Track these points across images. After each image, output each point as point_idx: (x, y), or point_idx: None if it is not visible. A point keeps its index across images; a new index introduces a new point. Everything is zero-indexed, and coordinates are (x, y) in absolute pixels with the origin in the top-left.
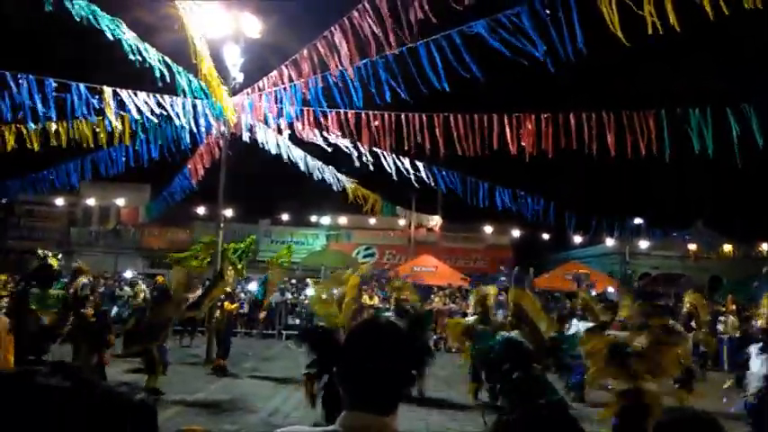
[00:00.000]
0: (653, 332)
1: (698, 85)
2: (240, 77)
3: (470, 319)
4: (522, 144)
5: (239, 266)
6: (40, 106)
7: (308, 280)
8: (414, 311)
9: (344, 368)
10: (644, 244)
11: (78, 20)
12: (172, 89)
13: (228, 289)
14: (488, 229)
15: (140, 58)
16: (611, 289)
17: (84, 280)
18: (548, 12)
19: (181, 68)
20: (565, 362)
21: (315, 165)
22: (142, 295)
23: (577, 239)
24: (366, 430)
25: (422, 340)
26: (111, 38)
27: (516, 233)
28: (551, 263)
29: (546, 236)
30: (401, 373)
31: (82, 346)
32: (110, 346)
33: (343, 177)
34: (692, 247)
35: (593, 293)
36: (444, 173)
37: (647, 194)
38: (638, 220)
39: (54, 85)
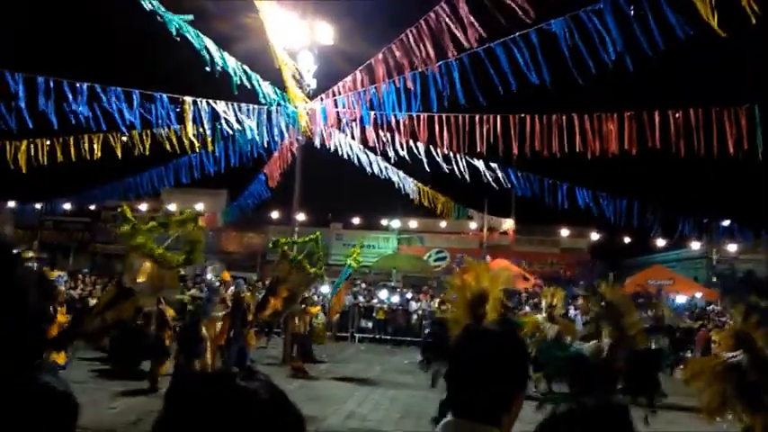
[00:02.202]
0: None
1: None
2: (314, 84)
3: (539, 317)
4: (604, 144)
5: (311, 269)
6: (127, 115)
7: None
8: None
9: (451, 373)
10: (732, 247)
11: (173, 33)
12: (249, 97)
13: (305, 293)
14: (564, 232)
15: (220, 69)
16: (698, 295)
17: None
18: (632, 7)
19: (259, 77)
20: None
21: (386, 168)
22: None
23: (660, 242)
24: None
25: (524, 348)
26: (194, 48)
27: (594, 236)
28: (632, 267)
29: (626, 239)
30: (507, 380)
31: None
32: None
33: (413, 180)
34: None
35: (678, 300)
36: (520, 175)
37: (736, 195)
38: (726, 222)
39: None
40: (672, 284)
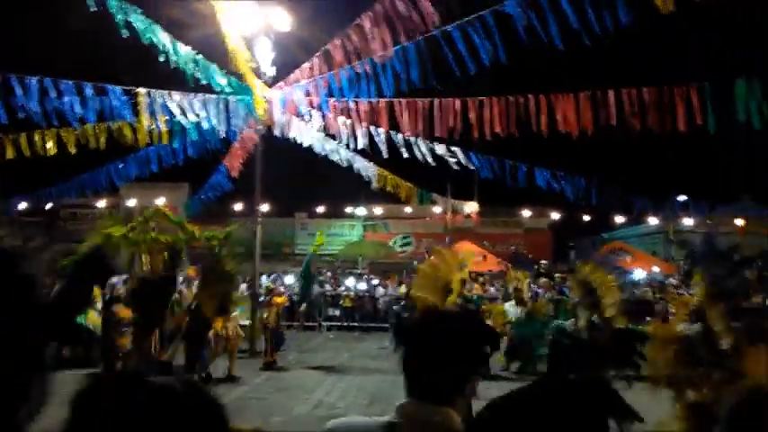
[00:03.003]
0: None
1: (743, 55)
2: (272, 72)
3: (507, 305)
4: (560, 124)
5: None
6: (79, 109)
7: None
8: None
9: (408, 355)
10: (688, 222)
11: (121, 24)
12: (205, 87)
13: (270, 285)
14: (526, 213)
15: (174, 59)
16: (656, 269)
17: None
18: None
19: (213, 65)
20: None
21: (348, 156)
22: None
23: (619, 220)
24: (426, 421)
25: (483, 329)
26: (145, 40)
27: (555, 216)
28: (591, 245)
29: (586, 217)
30: (461, 361)
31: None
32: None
33: (375, 167)
34: (740, 222)
35: (637, 275)
36: (481, 157)
37: (690, 171)
38: (681, 198)
39: (91, 89)
40: (631, 260)
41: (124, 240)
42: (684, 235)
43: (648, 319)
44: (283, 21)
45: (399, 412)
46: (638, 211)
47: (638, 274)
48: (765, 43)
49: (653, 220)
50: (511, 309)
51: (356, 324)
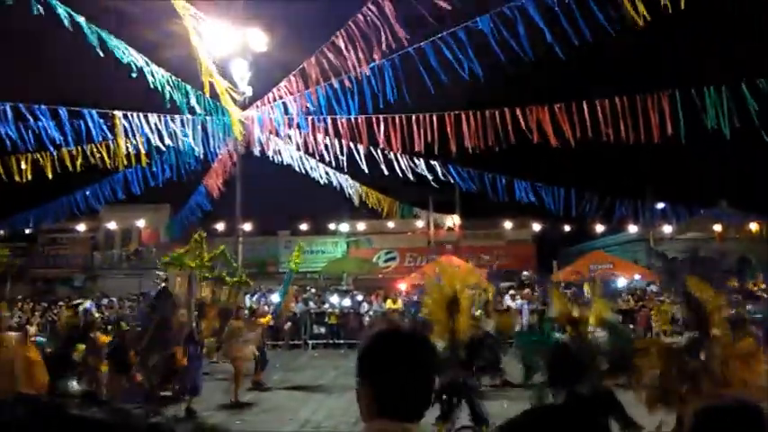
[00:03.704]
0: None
1: (712, 62)
2: (249, 92)
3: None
4: (537, 135)
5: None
6: (56, 134)
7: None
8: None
9: (372, 375)
10: (667, 229)
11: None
12: (181, 109)
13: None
14: (508, 224)
15: (152, 79)
16: (637, 277)
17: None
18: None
19: (189, 87)
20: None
21: (328, 173)
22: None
23: (599, 229)
24: None
25: (433, 345)
26: (120, 61)
27: (537, 227)
28: (574, 254)
29: (567, 228)
30: (428, 379)
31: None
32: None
33: (356, 184)
34: (717, 227)
35: (618, 283)
36: (460, 170)
37: (666, 178)
38: (660, 205)
39: (66, 114)
40: (612, 268)
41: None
42: (664, 243)
43: (632, 326)
44: (260, 41)
45: (367, 430)
46: (617, 219)
47: (620, 282)
48: (734, 52)
49: (633, 228)
50: (482, 320)
51: (342, 341)
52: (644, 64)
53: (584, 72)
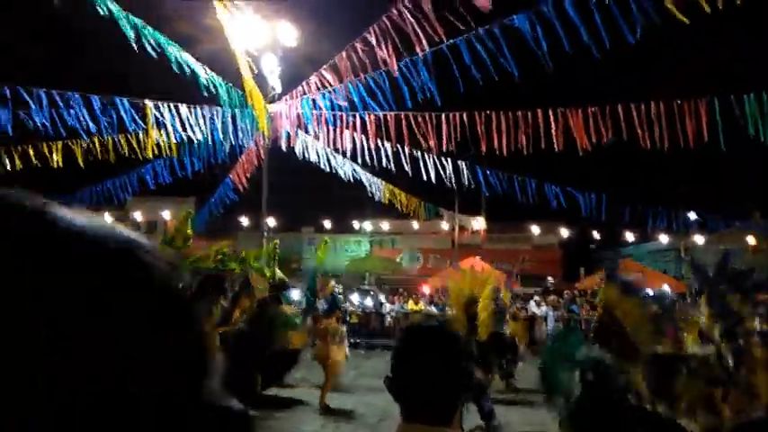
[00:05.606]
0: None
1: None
2: (279, 86)
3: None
4: (570, 138)
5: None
6: (90, 124)
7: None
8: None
9: (396, 376)
10: (699, 239)
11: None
12: (212, 100)
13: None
14: (535, 229)
15: (188, 71)
16: (666, 287)
17: None
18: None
19: (221, 79)
20: None
21: (355, 170)
22: None
23: (629, 237)
24: None
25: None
26: (153, 53)
27: (564, 232)
28: (602, 262)
29: (596, 234)
30: (455, 379)
31: None
32: None
33: (381, 182)
34: (751, 240)
35: (648, 293)
36: (488, 172)
37: (701, 187)
38: (692, 215)
39: (99, 102)
40: (641, 278)
41: None
42: (696, 253)
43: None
44: (290, 36)
45: None
46: (650, 228)
47: (649, 292)
48: None
49: (664, 238)
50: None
51: (363, 341)
52: (682, 67)
53: (620, 74)
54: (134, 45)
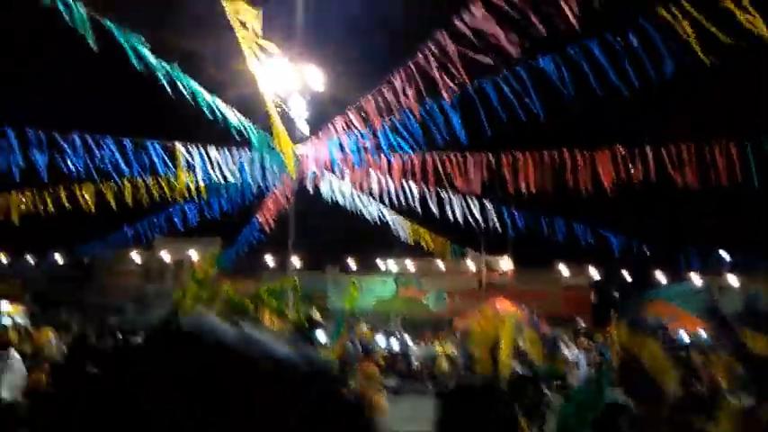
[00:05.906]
0: None
1: None
2: (306, 130)
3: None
4: (598, 180)
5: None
6: (123, 166)
7: None
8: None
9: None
10: (732, 280)
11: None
12: (240, 143)
13: None
14: (564, 269)
15: (220, 116)
16: (701, 332)
17: None
18: (619, 39)
19: (249, 123)
20: None
21: (380, 210)
22: None
23: (661, 278)
24: None
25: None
26: (188, 96)
27: (594, 273)
28: (633, 303)
29: (627, 275)
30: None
31: None
32: None
33: (407, 222)
34: None
35: (681, 336)
36: (515, 213)
37: (732, 227)
38: (725, 254)
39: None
40: (674, 320)
41: None
42: (729, 294)
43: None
44: (317, 80)
45: None
46: (683, 268)
47: (683, 334)
48: None
49: (697, 279)
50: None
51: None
52: (713, 107)
53: (649, 114)
54: (168, 89)
